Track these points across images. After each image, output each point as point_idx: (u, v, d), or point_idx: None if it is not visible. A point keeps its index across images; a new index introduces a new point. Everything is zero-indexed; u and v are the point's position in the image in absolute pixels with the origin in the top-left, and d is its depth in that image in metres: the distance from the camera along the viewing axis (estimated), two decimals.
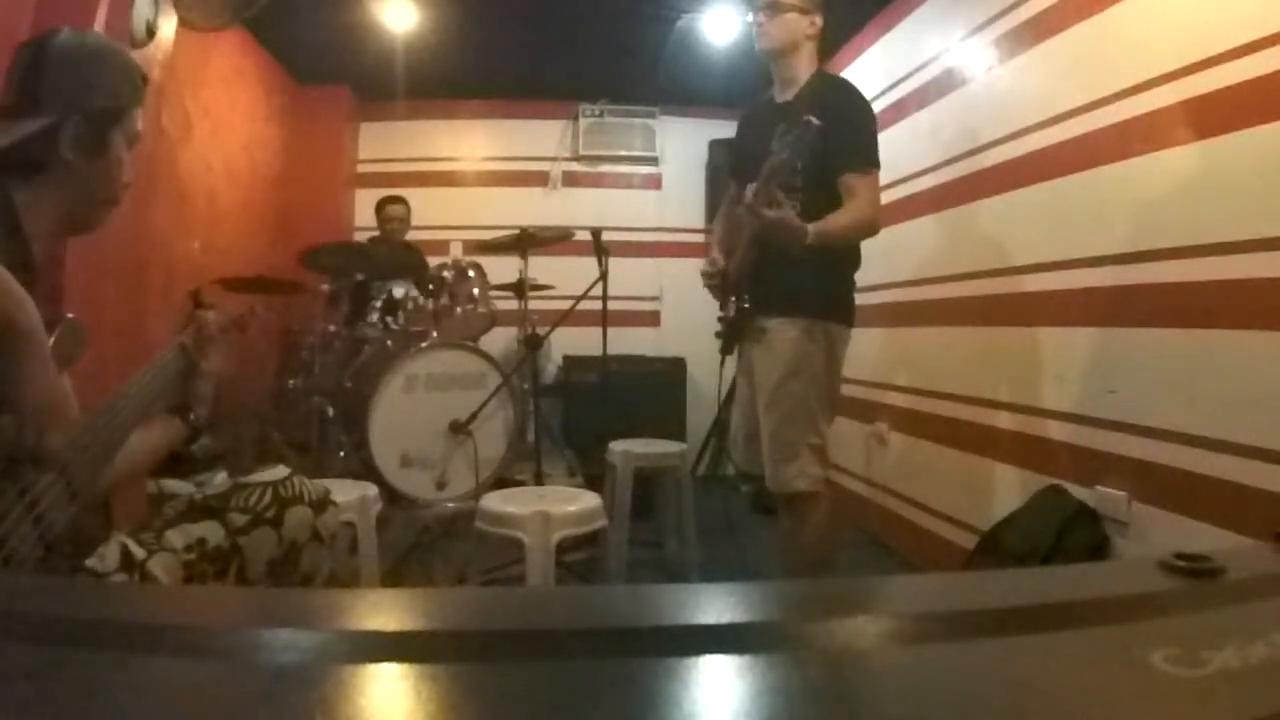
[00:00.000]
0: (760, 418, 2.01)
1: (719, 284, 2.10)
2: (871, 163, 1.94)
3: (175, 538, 1.13)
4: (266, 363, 3.96)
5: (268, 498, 1.21)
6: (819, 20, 2.03)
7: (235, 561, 1.17)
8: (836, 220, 1.85)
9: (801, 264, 1.87)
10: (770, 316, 1.98)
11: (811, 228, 1.80)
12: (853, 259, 2.03)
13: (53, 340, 1.00)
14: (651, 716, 0.37)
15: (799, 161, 1.73)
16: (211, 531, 1.16)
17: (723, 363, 2.20)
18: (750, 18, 2.06)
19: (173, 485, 2.45)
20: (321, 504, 1.27)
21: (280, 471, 1.26)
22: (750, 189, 1.83)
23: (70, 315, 1.08)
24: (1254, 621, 0.46)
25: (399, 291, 3.54)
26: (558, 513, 1.94)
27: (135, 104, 1.17)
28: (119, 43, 1.18)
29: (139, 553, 1.08)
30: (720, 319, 2.13)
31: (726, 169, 2.28)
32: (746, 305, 2.02)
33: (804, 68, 2.04)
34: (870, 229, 1.93)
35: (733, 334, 2.10)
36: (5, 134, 1.04)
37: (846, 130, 1.87)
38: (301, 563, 1.23)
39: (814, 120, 1.67)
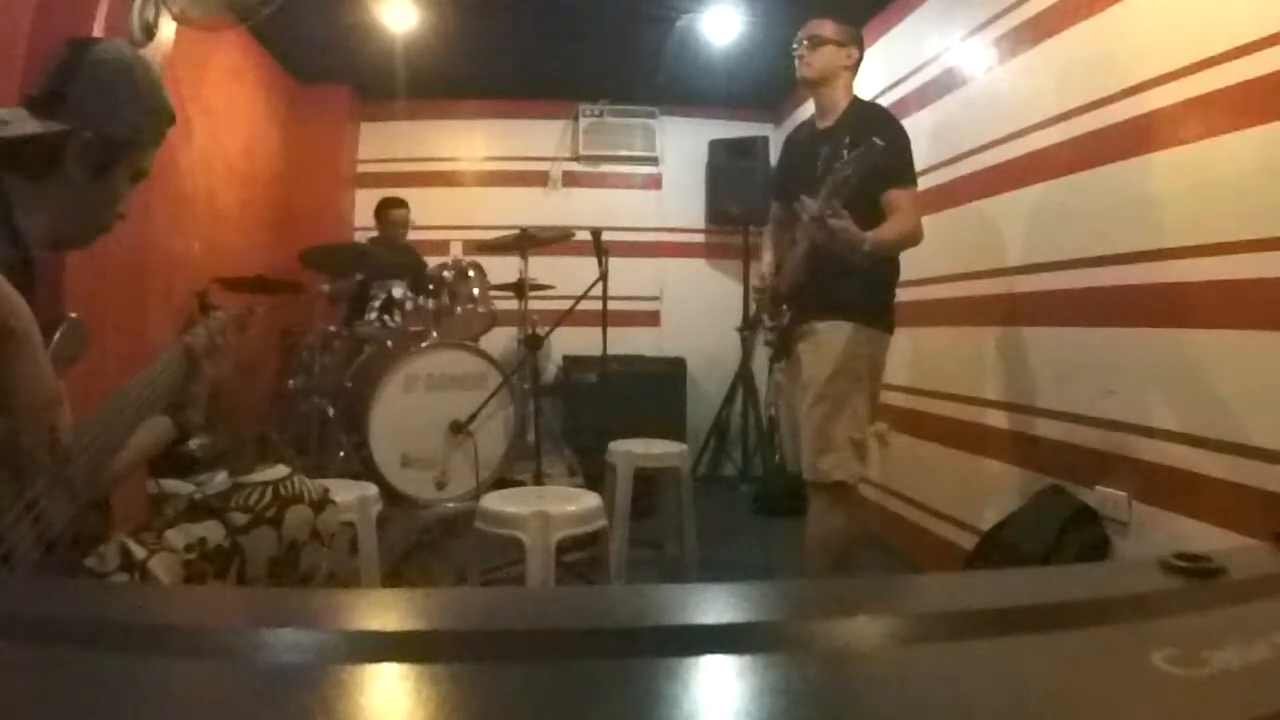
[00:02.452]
0: (804, 412, 2.09)
1: (769, 297, 2.25)
2: (913, 180, 2.09)
3: (175, 537, 1.13)
4: (266, 363, 3.96)
5: (268, 497, 1.21)
6: (855, 53, 2.19)
7: (235, 561, 1.17)
8: (890, 229, 1.98)
9: (852, 274, 1.98)
10: (821, 320, 2.09)
11: (870, 235, 1.90)
12: (895, 271, 2.16)
13: (55, 339, 1.00)
14: (651, 716, 0.37)
15: (858, 179, 1.85)
16: (212, 531, 1.16)
17: (771, 370, 2.33)
18: (794, 48, 2.20)
19: (173, 485, 2.45)
20: (321, 503, 1.27)
21: (280, 471, 1.27)
22: (809, 203, 1.93)
23: (73, 315, 1.08)
24: (1254, 621, 0.46)
25: (398, 291, 3.54)
26: (558, 513, 1.94)
27: (153, 143, 1.16)
28: (149, 65, 1.16)
29: (139, 552, 1.08)
30: (770, 328, 2.29)
31: (772, 190, 2.48)
32: (798, 312, 2.14)
33: (841, 96, 2.18)
34: (916, 238, 2.05)
35: (785, 341, 2.21)
36: (16, 124, 1.03)
37: (891, 153, 1.98)
38: (301, 562, 1.23)
39: (878, 141, 1.82)
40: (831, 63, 2.15)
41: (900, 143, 2.07)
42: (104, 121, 1.07)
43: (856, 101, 2.19)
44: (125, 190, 1.15)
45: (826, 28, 2.16)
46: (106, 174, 1.10)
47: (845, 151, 2.02)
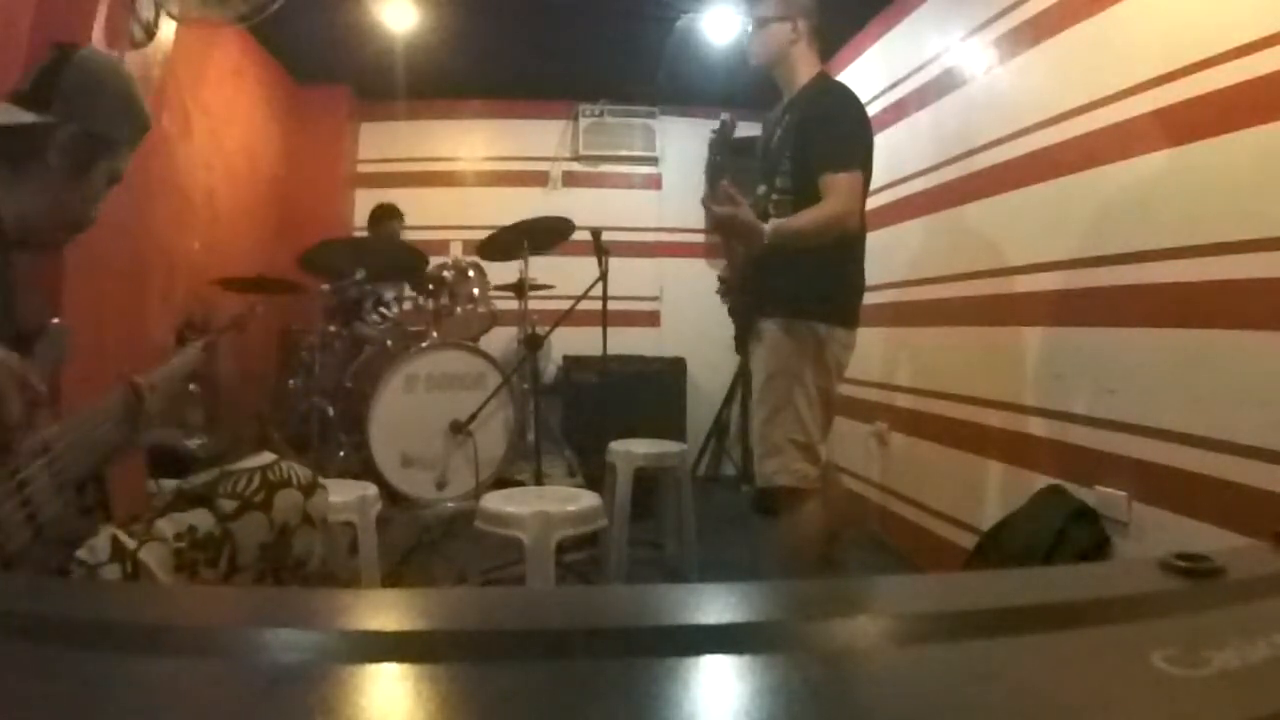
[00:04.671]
0: (752, 414, 2.04)
1: (725, 290, 2.16)
2: (848, 163, 1.89)
3: (165, 527, 1.13)
4: (266, 363, 3.96)
5: (256, 482, 1.20)
6: (803, 23, 2.04)
7: (226, 548, 1.16)
8: (798, 219, 1.86)
9: (786, 265, 1.89)
10: (763, 317, 2.01)
11: (769, 226, 1.83)
12: (842, 258, 1.97)
13: (38, 346, 1.02)
14: (651, 716, 0.37)
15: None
16: (201, 519, 1.15)
17: (742, 362, 2.26)
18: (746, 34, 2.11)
19: (173, 485, 2.45)
20: (310, 487, 1.26)
21: (267, 457, 1.26)
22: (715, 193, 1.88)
23: (56, 320, 1.09)
24: (1254, 621, 0.46)
25: (390, 291, 3.55)
26: (558, 513, 1.94)
27: (130, 146, 1.19)
28: (130, 75, 1.22)
29: (130, 543, 1.07)
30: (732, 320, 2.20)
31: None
32: (745, 305, 2.07)
33: (801, 72, 2.05)
34: (836, 228, 1.86)
35: (740, 333, 2.14)
36: (3, 114, 1.05)
37: (827, 132, 1.91)
38: (294, 546, 1.22)
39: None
40: (778, 40, 2.03)
41: (841, 123, 1.94)
42: (88, 117, 1.11)
43: (817, 78, 2.05)
44: (101, 191, 1.17)
45: (766, 5, 2.05)
46: (85, 171, 1.13)
47: (793, 130, 1.96)
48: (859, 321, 2.03)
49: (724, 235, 1.93)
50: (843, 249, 1.96)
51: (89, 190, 1.15)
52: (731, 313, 2.17)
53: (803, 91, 2.03)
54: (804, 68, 2.05)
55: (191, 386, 1.30)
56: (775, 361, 1.95)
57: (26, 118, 1.06)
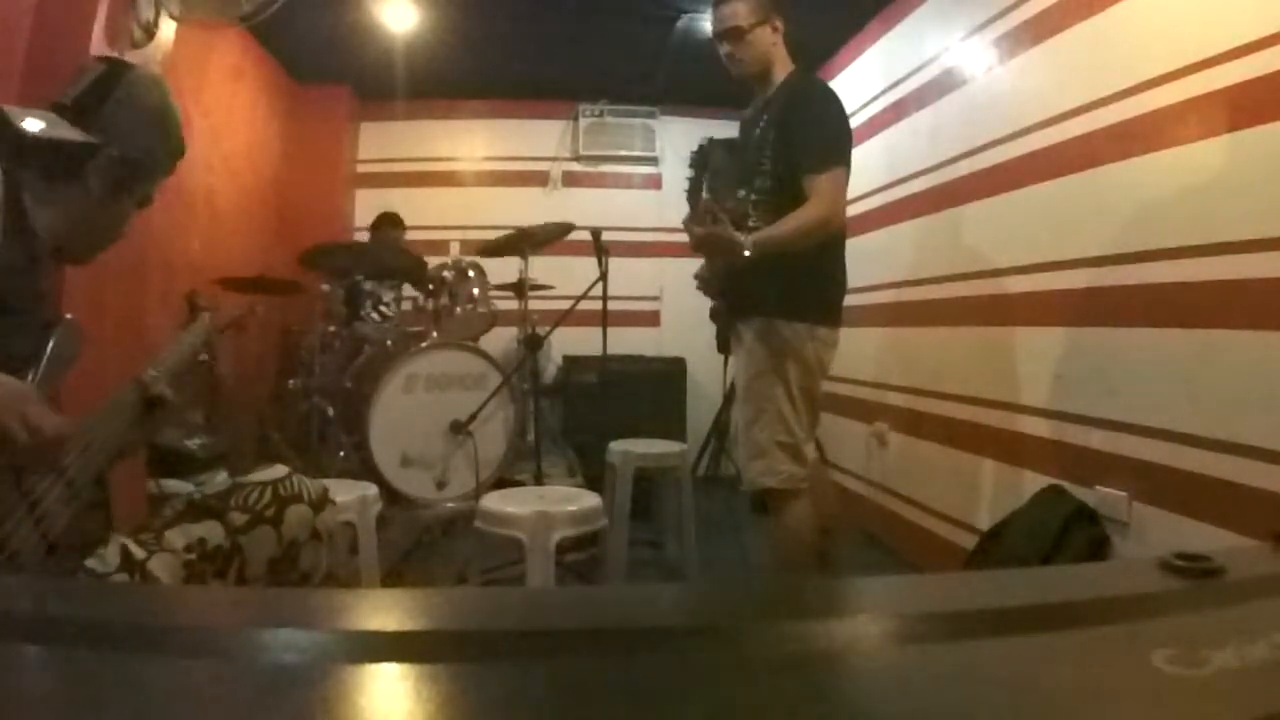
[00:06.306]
0: (736, 415, 2.05)
1: (704, 289, 2.17)
2: (831, 163, 1.88)
3: (175, 538, 1.14)
4: (266, 363, 3.96)
5: (267, 497, 1.21)
6: (779, 22, 2.02)
7: (235, 561, 1.17)
8: (780, 227, 1.83)
9: (764, 266, 1.87)
10: (743, 318, 2.01)
11: (751, 238, 1.80)
12: (822, 257, 1.95)
13: (51, 343, 1.01)
14: (651, 716, 0.37)
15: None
16: (211, 531, 1.16)
17: (725, 362, 2.25)
18: (721, 49, 2.04)
19: (173, 485, 2.45)
20: (320, 502, 1.27)
21: (279, 471, 1.27)
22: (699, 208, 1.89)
23: (69, 316, 1.09)
24: (1254, 621, 0.46)
25: (389, 293, 3.55)
26: (558, 513, 1.94)
27: (165, 173, 1.20)
28: (172, 98, 1.22)
29: (139, 553, 1.08)
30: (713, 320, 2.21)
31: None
32: (726, 307, 2.09)
33: (778, 70, 2.05)
34: (820, 231, 1.85)
35: (722, 334, 2.15)
36: (47, 125, 1.04)
37: (808, 131, 1.90)
38: (301, 561, 1.23)
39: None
40: (764, 44, 1.99)
41: (821, 121, 1.92)
42: (130, 142, 1.10)
43: (791, 76, 2.04)
44: (131, 212, 1.18)
45: (742, 13, 1.97)
46: (120, 194, 1.13)
47: (772, 129, 1.95)
48: (841, 320, 2.03)
49: (705, 254, 1.93)
50: (822, 247, 1.94)
51: (120, 211, 1.16)
52: (712, 315, 2.18)
53: (779, 90, 2.02)
54: (779, 67, 2.05)
55: (202, 356, 1.29)
56: (757, 363, 1.96)
57: (73, 135, 1.05)
